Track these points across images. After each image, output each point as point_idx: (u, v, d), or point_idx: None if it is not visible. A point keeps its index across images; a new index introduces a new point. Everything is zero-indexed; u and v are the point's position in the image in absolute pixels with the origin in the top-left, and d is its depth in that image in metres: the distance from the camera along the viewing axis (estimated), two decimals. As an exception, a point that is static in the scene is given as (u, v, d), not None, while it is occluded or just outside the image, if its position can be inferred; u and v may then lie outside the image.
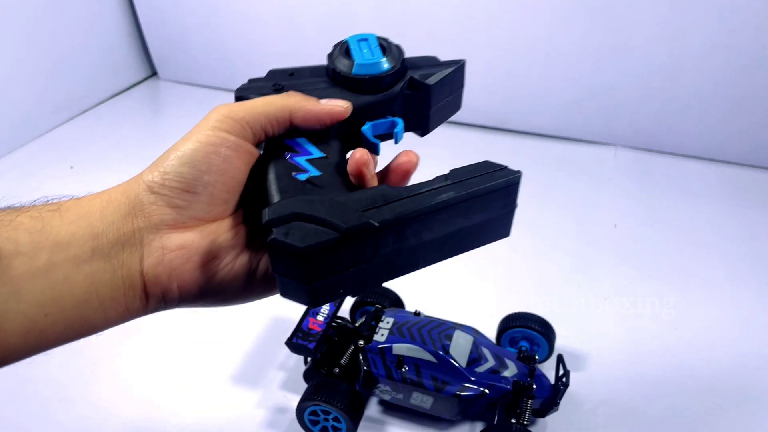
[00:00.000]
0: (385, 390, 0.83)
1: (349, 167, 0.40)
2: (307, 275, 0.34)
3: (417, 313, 0.89)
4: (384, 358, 0.82)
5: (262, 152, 0.42)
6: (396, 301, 0.97)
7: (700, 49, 1.37)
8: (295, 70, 0.47)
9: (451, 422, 0.85)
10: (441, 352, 0.81)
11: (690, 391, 0.91)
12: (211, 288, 0.39)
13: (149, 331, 0.99)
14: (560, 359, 0.83)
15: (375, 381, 0.82)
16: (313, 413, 0.81)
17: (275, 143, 0.42)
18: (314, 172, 0.40)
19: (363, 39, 0.46)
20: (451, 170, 0.40)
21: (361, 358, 0.83)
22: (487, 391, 0.80)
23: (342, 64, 0.45)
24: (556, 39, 1.48)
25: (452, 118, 1.63)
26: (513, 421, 0.77)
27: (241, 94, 0.44)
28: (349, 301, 0.97)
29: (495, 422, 0.78)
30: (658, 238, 1.24)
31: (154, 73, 1.98)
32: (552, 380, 0.83)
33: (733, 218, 1.29)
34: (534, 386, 0.79)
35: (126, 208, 0.37)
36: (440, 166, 1.24)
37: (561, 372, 0.82)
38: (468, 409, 0.81)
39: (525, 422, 0.78)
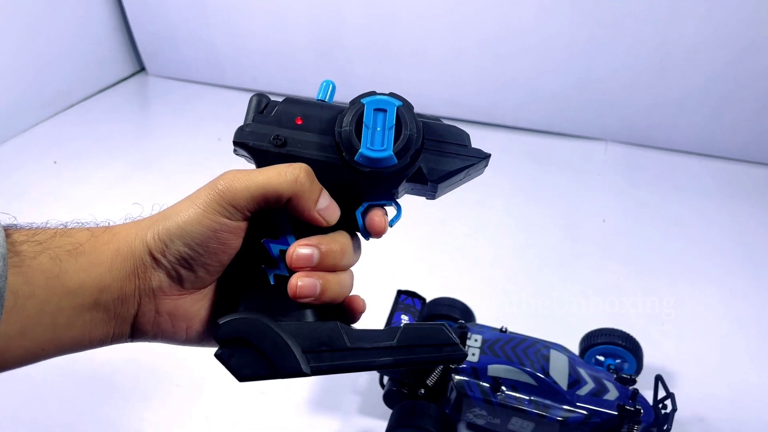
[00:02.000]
0: (480, 414, 0.70)
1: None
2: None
3: (504, 330, 0.76)
4: (479, 380, 0.69)
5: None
6: (466, 312, 0.83)
7: (689, 44, 1.28)
8: (305, 115, 0.37)
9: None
10: (541, 374, 0.68)
11: (676, 388, 0.81)
12: (190, 340, 0.38)
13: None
14: (660, 380, 0.71)
15: (470, 404, 0.69)
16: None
17: (262, 218, 0.36)
18: (283, 270, 0.36)
19: (381, 109, 0.35)
20: (405, 326, 0.35)
21: (453, 379, 0.70)
22: (591, 416, 0.68)
23: (347, 141, 0.35)
24: (545, 34, 1.36)
25: (444, 114, 1.51)
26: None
27: (241, 140, 0.37)
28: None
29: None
30: (647, 233, 1.14)
31: (142, 69, 1.74)
32: (649, 401, 0.72)
33: (722, 213, 1.21)
34: (641, 411, 0.68)
35: (131, 266, 0.35)
36: None
37: (663, 395, 0.70)
38: (570, 435, 0.69)
39: (635, 448, 0.66)
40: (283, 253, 0.35)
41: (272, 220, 0.36)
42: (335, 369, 0.35)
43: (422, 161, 0.36)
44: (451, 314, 0.80)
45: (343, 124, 0.35)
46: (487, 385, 0.68)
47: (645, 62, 1.34)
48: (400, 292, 0.79)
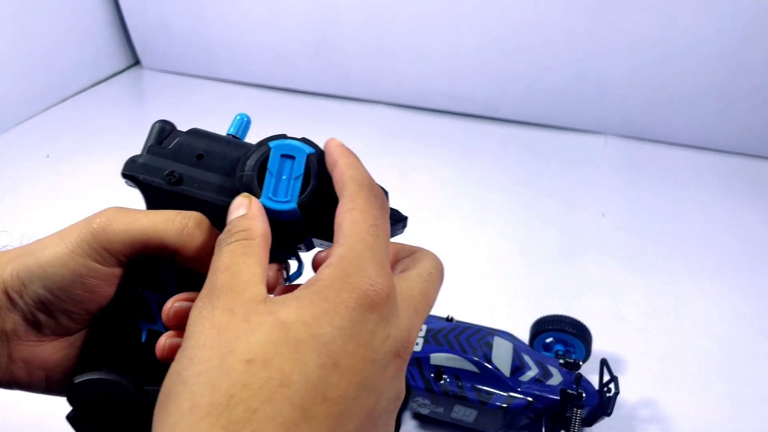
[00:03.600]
0: (423, 404, 0.72)
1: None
2: None
3: (450, 319, 0.78)
4: (421, 370, 0.72)
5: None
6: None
7: (689, 38, 1.29)
8: (208, 151, 0.34)
9: (493, 435, 0.75)
10: (483, 362, 0.71)
11: (673, 380, 0.84)
12: (52, 391, 0.34)
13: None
14: (605, 364, 0.74)
15: (412, 394, 0.72)
16: None
17: (144, 264, 0.32)
18: (160, 326, 0.33)
19: (289, 156, 0.32)
20: None
21: (395, 368, 0.72)
22: (533, 401, 0.70)
23: (247, 188, 0.32)
24: (544, 27, 1.38)
25: (443, 108, 1.53)
26: (562, 431, 0.68)
27: (131, 172, 0.34)
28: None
29: (543, 434, 0.68)
30: (646, 228, 1.16)
31: (136, 62, 1.81)
32: (595, 386, 0.74)
33: (722, 207, 1.21)
34: (584, 395, 0.70)
35: None
36: (428, 154, 1.09)
37: (606, 378, 0.72)
38: (513, 422, 0.71)
39: (576, 433, 0.68)
40: (161, 305, 0.33)
41: (155, 268, 0.33)
42: None
43: (329, 218, 0.33)
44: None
45: (245, 168, 0.32)
46: (431, 374, 0.71)
47: (644, 55, 1.35)
48: None
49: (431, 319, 0.77)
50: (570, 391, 0.70)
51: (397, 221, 0.35)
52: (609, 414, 0.70)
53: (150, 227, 0.31)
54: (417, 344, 0.73)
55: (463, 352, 0.71)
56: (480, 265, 1.05)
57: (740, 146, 1.38)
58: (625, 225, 1.16)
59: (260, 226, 0.30)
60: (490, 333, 0.75)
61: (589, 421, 0.72)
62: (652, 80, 1.37)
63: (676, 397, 0.81)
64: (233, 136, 0.36)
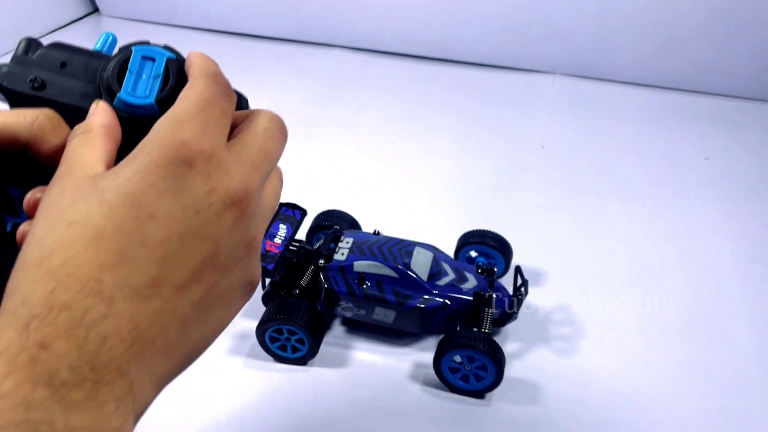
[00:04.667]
0: (347, 307, 0.78)
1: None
2: None
3: (376, 233, 0.83)
4: (345, 276, 0.77)
5: None
6: (353, 224, 0.91)
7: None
8: (72, 60, 0.35)
9: (414, 336, 0.81)
10: (402, 268, 0.76)
11: (590, 290, 0.90)
12: None
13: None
14: (518, 270, 0.80)
15: (337, 298, 0.77)
16: (277, 333, 0.76)
17: (5, 162, 0.33)
18: (23, 218, 0.33)
19: (150, 57, 0.34)
20: None
21: (321, 277, 0.78)
22: (448, 302, 0.76)
23: (107, 85, 0.33)
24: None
25: (396, 50, 1.57)
26: (475, 329, 0.74)
27: None
28: (305, 225, 0.90)
29: (456, 331, 0.74)
30: (583, 158, 1.21)
31: (95, 10, 1.81)
32: (510, 292, 0.80)
33: (657, 139, 1.27)
34: (494, 296, 0.76)
35: None
36: (382, 94, 1.16)
37: (519, 282, 0.78)
38: (430, 322, 0.77)
39: (486, 330, 0.74)
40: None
41: (17, 164, 0.34)
42: None
43: None
44: (338, 225, 0.87)
45: (107, 69, 0.34)
46: (354, 280, 0.76)
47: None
48: (281, 205, 0.87)
49: (359, 234, 0.83)
50: (482, 293, 0.76)
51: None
52: (516, 313, 0.76)
53: (6, 120, 0.31)
54: (342, 254, 0.78)
55: (384, 260, 0.76)
56: (419, 192, 1.11)
57: (679, 82, 1.43)
58: (563, 156, 1.22)
59: (100, 119, 0.31)
60: (412, 244, 0.80)
61: (501, 321, 0.78)
62: (598, 19, 1.41)
63: (590, 304, 0.87)
64: (98, 52, 0.36)
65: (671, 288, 0.91)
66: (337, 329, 0.83)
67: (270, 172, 0.32)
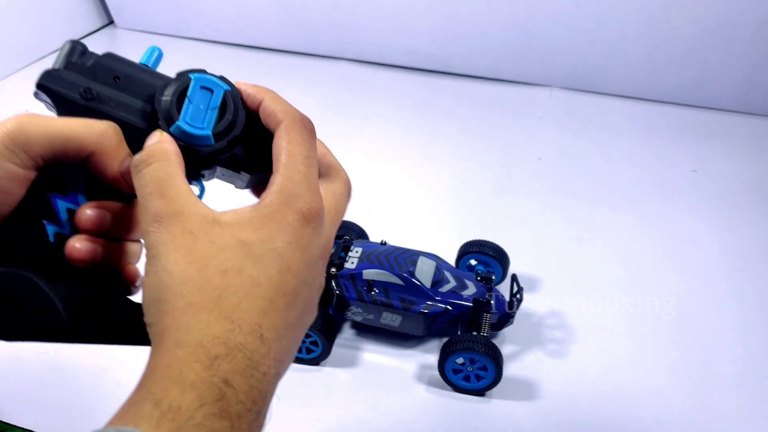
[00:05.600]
0: (357, 312, 0.84)
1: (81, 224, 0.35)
2: None
3: (383, 243, 0.90)
4: (355, 283, 0.83)
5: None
6: (361, 233, 0.97)
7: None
8: (125, 74, 0.36)
9: (419, 339, 0.87)
10: (407, 276, 0.82)
11: (581, 295, 0.96)
12: None
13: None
14: (514, 278, 0.86)
15: (347, 304, 0.83)
16: (293, 335, 0.82)
17: (52, 170, 0.34)
18: (66, 229, 0.35)
19: (208, 88, 0.35)
20: None
21: (333, 284, 0.84)
22: (450, 308, 0.82)
23: (166, 111, 0.34)
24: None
25: (400, 63, 1.63)
26: (474, 333, 0.80)
27: (47, 84, 0.35)
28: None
29: (458, 335, 0.80)
30: (577, 170, 1.27)
31: (110, 22, 1.88)
32: (507, 299, 0.86)
33: (647, 151, 1.33)
34: (492, 302, 0.82)
35: None
36: (386, 106, 1.22)
37: (515, 289, 0.84)
38: (433, 325, 0.83)
39: (485, 334, 0.80)
40: (71, 211, 0.35)
41: (64, 174, 0.34)
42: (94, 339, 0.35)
43: (240, 150, 0.37)
44: (345, 235, 0.93)
45: (165, 93, 0.34)
46: (363, 287, 0.82)
47: (584, 10, 1.44)
48: None
49: (367, 243, 0.89)
50: (481, 299, 0.82)
51: None
52: (512, 317, 0.82)
53: (69, 129, 0.33)
54: (352, 263, 0.84)
55: (390, 269, 0.83)
56: (421, 201, 1.17)
57: (668, 96, 1.49)
58: (559, 168, 1.28)
59: (173, 147, 0.33)
60: (416, 254, 0.86)
61: (499, 325, 0.84)
62: (592, 35, 1.47)
63: (581, 309, 0.93)
64: (145, 65, 0.37)
65: (658, 293, 0.97)
66: (346, 332, 0.89)
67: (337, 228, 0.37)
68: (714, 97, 1.46)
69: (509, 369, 0.83)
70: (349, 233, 0.94)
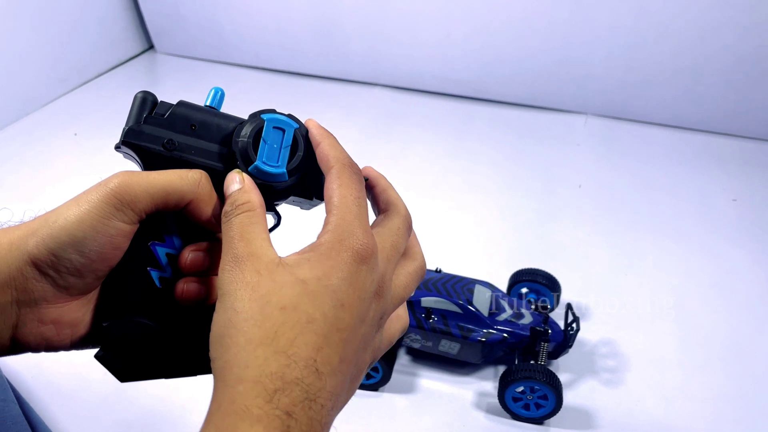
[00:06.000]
0: (415, 339, 0.85)
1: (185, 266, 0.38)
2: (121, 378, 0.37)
3: (438, 270, 0.91)
4: (414, 311, 0.84)
5: None
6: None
7: (661, 22, 1.40)
8: (200, 121, 0.38)
9: (474, 366, 0.88)
10: (465, 303, 0.83)
11: (630, 324, 0.97)
12: (75, 346, 0.38)
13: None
14: (569, 307, 0.87)
15: (407, 331, 0.85)
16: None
17: (149, 220, 0.37)
18: (168, 272, 0.37)
19: (280, 128, 0.38)
20: None
21: (392, 311, 0.85)
22: (507, 336, 0.83)
23: (244, 152, 0.37)
24: (529, 14, 1.49)
25: (433, 89, 1.65)
26: (532, 361, 0.81)
27: (133, 141, 0.37)
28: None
29: (516, 363, 0.81)
30: (618, 198, 1.28)
31: (151, 47, 1.92)
32: (562, 327, 0.87)
33: (688, 180, 1.34)
34: (549, 331, 0.83)
35: (4, 277, 0.34)
36: (423, 132, 1.24)
37: (571, 319, 0.85)
38: (490, 354, 0.84)
39: (543, 362, 0.81)
40: (170, 256, 0.37)
41: (161, 222, 0.37)
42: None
43: (308, 180, 0.39)
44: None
45: (242, 135, 0.37)
46: (422, 314, 0.84)
47: (621, 39, 1.46)
48: None
49: (422, 271, 0.90)
50: (538, 329, 0.83)
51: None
52: (570, 346, 0.83)
53: (168, 183, 0.35)
54: (410, 290, 0.85)
55: (448, 296, 0.84)
56: (467, 228, 1.18)
57: (707, 125, 1.51)
58: (599, 195, 1.29)
59: (257, 197, 0.35)
60: (472, 282, 0.88)
61: (555, 354, 0.85)
62: (628, 63, 1.49)
63: (632, 337, 0.94)
64: (211, 107, 0.39)
65: (707, 323, 0.97)
66: (402, 358, 0.90)
67: (396, 262, 0.37)
68: (752, 126, 1.48)
69: (566, 397, 0.83)
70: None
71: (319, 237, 0.33)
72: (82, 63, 1.69)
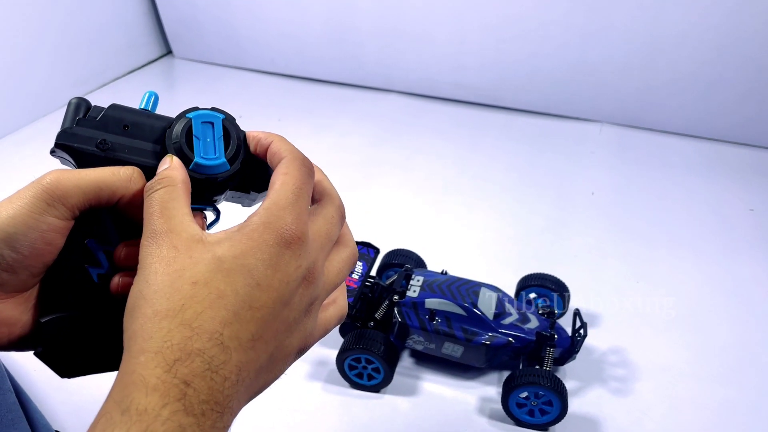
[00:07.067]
0: (418, 341, 0.84)
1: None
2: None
3: (444, 272, 0.89)
4: (417, 312, 0.83)
5: None
6: (419, 262, 0.97)
7: (678, 31, 1.38)
8: (132, 122, 0.38)
9: (478, 370, 0.86)
10: (469, 306, 0.81)
11: (640, 332, 0.95)
12: (13, 345, 0.38)
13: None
14: (577, 313, 0.84)
15: (409, 332, 0.83)
16: (355, 361, 0.81)
17: (84, 217, 0.37)
18: (105, 267, 0.38)
19: (208, 122, 0.38)
20: None
21: (396, 312, 0.83)
22: (512, 340, 0.81)
23: (180, 152, 0.37)
24: (543, 20, 1.48)
25: (448, 96, 1.65)
26: (537, 367, 0.79)
27: (66, 142, 0.37)
28: (376, 262, 0.96)
29: (520, 368, 0.79)
30: (632, 206, 1.26)
31: (168, 52, 1.93)
32: (569, 333, 0.85)
33: (703, 189, 1.31)
34: (555, 336, 0.81)
35: None
36: (436, 138, 1.24)
37: (578, 325, 0.83)
38: (494, 358, 0.82)
39: (548, 368, 0.79)
40: (108, 252, 0.38)
41: (96, 219, 0.37)
42: None
43: (246, 175, 0.40)
44: (405, 263, 0.93)
45: (173, 138, 0.37)
46: (426, 316, 0.82)
47: (637, 48, 1.44)
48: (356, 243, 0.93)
49: (428, 272, 0.88)
50: (544, 333, 0.81)
51: None
52: (576, 352, 0.81)
53: (100, 179, 0.35)
54: (414, 291, 0.84)
55: (453, 298, 0.82)
56: (478, 233, 1.16)
57: (724, 134, 1.48)
58: (613, 203, 1.26)
59: (180, 174, 0.36)
60: (478, 284, 0.86)
61: (561, 360, 0.83)
62: (644, 71, 1.47)
63: (642, 346, 0.91)
64: (145, 110, 0.40)
65: (720, 334, 0.94)
66: (405, 360, 0.89)
67: (329, 250, 0.37)
68: (769, 136, 1.44)
69: (572, 404, 0.81)
70: (408, 261, 0.94)
71: (248, 218, 0.33)
72: (102, 66, 1.70)
